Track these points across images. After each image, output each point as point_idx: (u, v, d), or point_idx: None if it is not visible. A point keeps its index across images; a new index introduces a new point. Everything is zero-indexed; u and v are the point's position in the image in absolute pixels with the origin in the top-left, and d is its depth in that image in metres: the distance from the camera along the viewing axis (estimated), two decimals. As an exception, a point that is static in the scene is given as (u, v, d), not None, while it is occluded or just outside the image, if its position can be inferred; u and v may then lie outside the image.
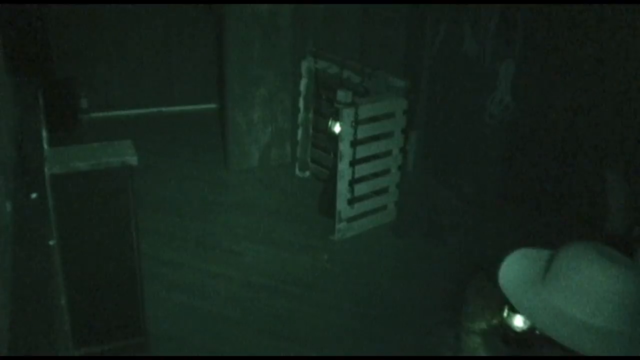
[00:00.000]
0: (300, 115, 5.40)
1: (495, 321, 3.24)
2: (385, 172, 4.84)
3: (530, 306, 1.43)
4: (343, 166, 4.50)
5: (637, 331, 1.34)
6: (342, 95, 4.79)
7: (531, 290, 1.46)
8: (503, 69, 4.61)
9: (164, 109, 6.71)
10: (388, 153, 4.80)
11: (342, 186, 4.54)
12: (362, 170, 4.65)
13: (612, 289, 1.32)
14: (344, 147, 4.46)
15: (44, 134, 3.32)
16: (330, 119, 4.85)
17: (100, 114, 6.39)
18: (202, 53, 6.60)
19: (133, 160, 3.04)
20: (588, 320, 1.35)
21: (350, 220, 4.71)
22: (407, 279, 4.28)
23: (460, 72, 5.07)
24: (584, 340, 1.34)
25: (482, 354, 3.17)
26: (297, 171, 5.56)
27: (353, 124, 4.41)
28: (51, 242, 2.81)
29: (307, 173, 5.53)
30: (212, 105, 6.76)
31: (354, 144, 4.48)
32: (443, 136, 5.41)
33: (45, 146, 3.18)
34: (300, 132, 5.44)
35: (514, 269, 1.56)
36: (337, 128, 4.57)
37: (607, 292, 1.32)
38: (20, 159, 2.95)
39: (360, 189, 4.68)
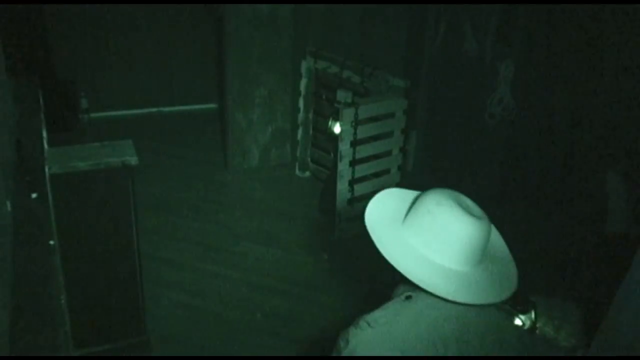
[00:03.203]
0: (300, 115, 5.40)
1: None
2: (385, 172, 4.84)
3: (389, 244, 1.53)
4: (343, 166, 4.50)
5: (480, 272, 1.49)
6: (342, 95, 4.80)
7: (392, 229, 1.55)
8: (503, 69, 4.61)
9: (164, 109, 6.71)
10: (388, 153, 4.80)
11: (342, 186, 4.54)
12: (362, 170, 4.65)
13: (464, 236, 1.45)
14: (344, 147, 4.46)
15: (44, 134, 3.32)
16: (330, 119, 4.85)
17: (100, 114, 6.38)
18: (202, 53, 6.61)
19: (133, 160, 3.04)
20: (442, 262, 1.46)
21: (350, 220, 4.71)
22: (407, 279, 4.28)
23: (460, 72, 5.07)
24: (437, 280, 1.45)
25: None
26: (297, 171, 5.56)
27: (353, 124, 4.41)
28: (51, 242, 2.81)
29: (307, 173, 5.53)
30: (212, 105, 6.76)
31: (354, 144, 4.48)
32: (443, 136, 5.41)
33: (45, 146, 3.18)
34: (300, 132, 5.44)
35: (379, 207, 1.61)
36: (337, 128, 4.57)
37: (458, 238, 1.45)
38: (20, 159, 2.95)
39: (360, 189, 4.68)
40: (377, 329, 1.45)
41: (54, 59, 5.70)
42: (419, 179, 5.54)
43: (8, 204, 2.22)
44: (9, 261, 1.95)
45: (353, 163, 4.54)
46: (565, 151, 4.40)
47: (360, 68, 4.83)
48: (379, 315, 1.49)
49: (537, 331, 3.14)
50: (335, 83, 4.99)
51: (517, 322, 1.60)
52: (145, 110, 6.64)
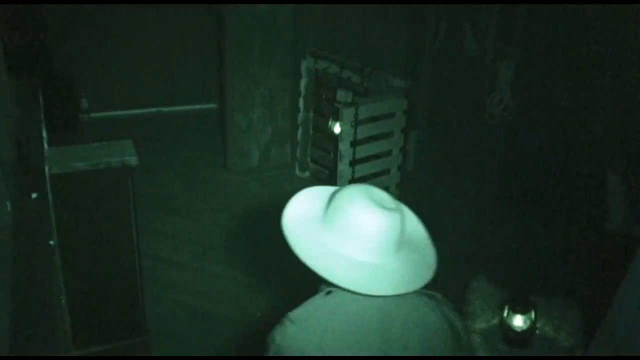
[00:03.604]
0: (300, 115, 5.40)
1: (495, 321, 3.24)
2: (385, 172, 4.84)
3: (305, 244, 1.52)
4: (343, 166, 4.50)
5: (397, 262, 1.52)
6: (342, 95, 4.79)
7: (308, 229, 1.54)
8: (503, 69, 4.61)
9: (164, 109, 6.71)
10: (388, 153, 4.80)
11: (342, 186, 4.54)
12: (362, 170, 4.65)
13: (376, 228, 1.47)
14: (344, 147, 4.46)
15: (44, 134, 3.32)
16: (330, 119, 4.85)
17: (100, 114, 6.39)
18: (202, 53, 6.61)
19: (133, 160, 3.04)
20: (358, 257, 1.48)
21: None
22: (407, 279, 4.28)
23: (460, 72, 5.07)
24: (356, 276, 1.46)
25: (482, 354, 3.17)
26: (297, 171, 5.56)
27: (353, 124, 4.41)
28: (51, 242, 2.81)
29: (307, 173, 5.53)
30: (212, 105, 6.76)
31: (354, 144, 4.48)
32: (443, 136, 5.41)
33: (45, 146, 3.18)
34: (300, 132, 5.44)
35: (297, 207, 1.61)
36: (337, 128, 4.57)
37: (371, 231, 1.47)
38: (20, 159, 2.95)
39: (360, 189, 4.67)
40: (298, 325, 1.49)
41: (54, 59, 5.70)
42: (419, 179, 5.54)
43: (8, 204, 2.22)
44: (9, 261, 1.95)
45: (353, 163, 4.54)
46: (565, 151, 4.40)
47: (360, 68, 4.83)
48: (300, 312, 1.51)
49: (537, 331, 3.15)
50: (335, 83, 4.99)
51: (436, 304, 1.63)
52: (145, 110, 6.64)
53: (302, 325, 1.49)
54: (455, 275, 4.12)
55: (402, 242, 1.55)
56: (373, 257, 1.50)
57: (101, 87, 6.37)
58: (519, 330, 3.09)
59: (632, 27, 3.71)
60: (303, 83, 5.30)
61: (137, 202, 3.13)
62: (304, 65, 5.25)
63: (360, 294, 1.48)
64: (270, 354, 1.52)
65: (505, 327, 3.13)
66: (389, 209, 1.50)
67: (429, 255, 1.67)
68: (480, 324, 3.26)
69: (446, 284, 4.37)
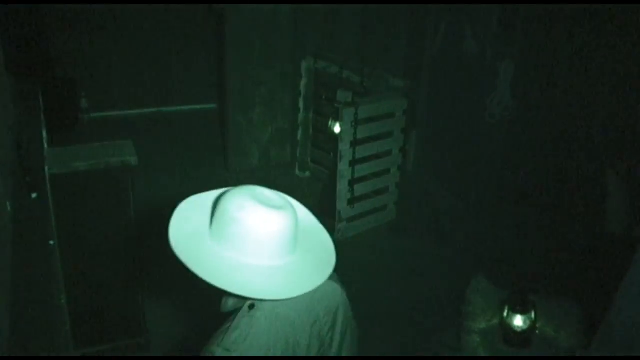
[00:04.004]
0: (300, 115, 5.40)
1: (495, 321, 3.24)
2: (385, 172, 4.84)
3: (202, 261, 1.45)
4: (343, 166, 4.50)
5: (297, 261, 1.51)
6: (342, 95, 4.79)
7: (200, 244, 1.48)
8: (503, 69, 4.61)
9: (163, 109, 6.71)
10: (388, 153, 4.80)
11: (342, 186, 4.54)
12: (362, 170, 4.65)
13: (274, 231, 1.43)
14: (344, 147, 4.46)
15: (44, 134, 3.32)
16: (330, 119, 4.85)
17: (100, 114, 6.38)
18: (202, 53, 6.61)
19: (133, 160, 3.04)
20: (260, 263, 1.44)
21: (350, 220, 4.71)
22: (407, 279, 4.28)
23: (460, 72, 5.07)
24: (262, 284, 1.43)
25: (482, 354, 3.17)
26: (297, 171, 5.56)
27: (353, 123, 4.41)
28: (51, 242, 2.81)
29: (307, 173, 5.53)
30: (212, 105, 6.76)
31: (354, 143, 4.48)
32: (443, 136, 5.41)
33: (45, 146, 3.18)
34: (300, 132, 5.44)
35: (181, 224, 1.54)
36: (337, 128, 4.57)
37: (269, 235, 1.43)
38: (20, 159, 2.95)
39: (360, 188, 4.68)
40: (237, 352, 1.42)
41: (54, 59, 5.70)
42: (419, 179, 5.54)
43: (8, 204, 2.22)
44: (8, 261, 1.95)
45: (353, 163, 4.54)
46: (565, 151, 4.40)
47: (360, 68, 4.83)
48: (236, 336, 1.43)
49: (537, 331, 3.15)
50: (335, 83, 4.99)
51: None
52: (145, 110, 6.64)
53: (240, 352, 1.42)
54: (455, 275, 4.12)
55: (298, 238, 1.53)
56: (274, 260, 1.46)
57: (101, 87, 6.37)
58: (519, 330, 3.09)
59: (632, 27, 3.72)
60: (303, 83, 5.30)
61: (137, 202, 3.13)
62: (304, 65, 5.25)
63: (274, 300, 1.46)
64: None
65: (505, 327, 3.13)
66: (279, 208, 1.46)
67: (326, 243, 1.65)
68: (480, 324, 3.26)
69: (447, 284, 4.40)
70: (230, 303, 1.55)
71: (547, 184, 4.57)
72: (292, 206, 1.51)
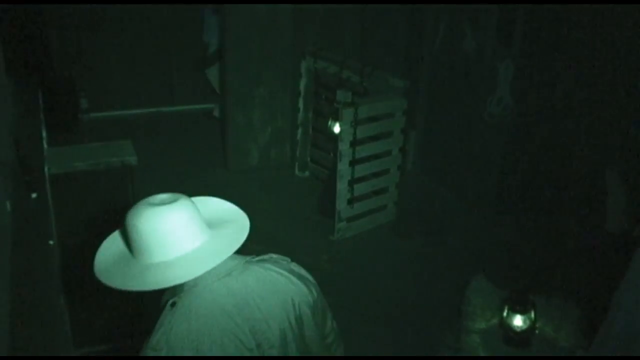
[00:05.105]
0: (300, 115, 5.40)
1: (495, 321, 3.24)
2: (385, 172, 4.84)
3: (134, 280, 1.57)
4: (343, 166, 4.50)
5: (210, 240, 1.59)
6: (341, 95, 4.79)
7: (126, 268, 1.60)
8: (503, 69, 4.61)
9: (163, 109, 6.71)
10: (388, 153, 4.80)
11: (342, 186, 4.54)
12: (362, 170, 4.65)
13: (166, 225, 1.53)
14: (344, 147, 4.46)
15: (44, 134, 3.32)
16: (330, 119, 4.85)
17: (100, 114, 6.38)
18: (202, 53, 6.60)
19: (133, 160, 3.04)
20: (150, 260, 1.55)
21: (350, 220, 4.71)
22: (407, 279, 4.28)
23: (460, 72, 5.07)
24: (153, 276, 1.53)
25: (482, 354, 3.17)
26: (297, 171, 5.56)
27: (353, 123, 4.41)
28: (51, 242, 2.81)
29: (307, 173, 5.53)
30: (212, 106, 6.76)
31: (354, 143, 4.48)
32: (443, 136, 5.41)
33: (45, 146, 3.18)
34: (300, 132, 5.44)
35: (105, 258, 1.67)
36: (336, 128, 4.57)
37: (164, 230, 1.53)
38: (20, 159, 2.95)
39: (360, 188, 4.68)
40: (163, 350, 1.52)
41: (54, 59, 5.70)
42: (419, 179, 5.54)
43: (8, 204, 2.22)
44: (8, 261, 1.95)
45: (353, 163, 4.54)
46: (565, 151, 4.40)
47: (360, 68, 4.83)
48: (158, 338, 1.54)
49: (537, 331, 3.15)
50: (335, 83, 4.99)
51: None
52: (145, 110, 6.64)
53: (166, 349, 1.52)
54: (455, 275, 4.12)
55: (204, 227, 1.60)
56: (177, 250, 1.54)
57: (101, 87, 6.36)
58: (518, 330, 3.09)
59: (632, 27, 3.72)
60: (303, 83, 5.30)
61: (137, 202, 3.13)
62: (303, 65, 5.25)
63: (205, 290, 1.56)
64: None
65: (505, 327, 3.13)
66: (166, 204, 1.56)
67: (240, 220, 1.74)
68: (480, 324, 3.26)
69: (446, 284, 4.40)
70: (163, 301, 1.63)
71: (547, 184, 4.56)
72: (182, 200, 1.59)
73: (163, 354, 1.52)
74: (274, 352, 1.61)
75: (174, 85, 6.68)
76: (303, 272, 1.76)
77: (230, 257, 1.62)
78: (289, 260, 1.78)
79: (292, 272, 1.71)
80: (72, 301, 3.13)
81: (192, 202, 1.63)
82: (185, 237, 1.56)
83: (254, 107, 5.46)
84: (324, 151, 5.33)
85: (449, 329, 3.50)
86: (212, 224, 1.66)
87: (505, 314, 3.11)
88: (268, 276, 1.66)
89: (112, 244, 1.71)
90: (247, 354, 1.57)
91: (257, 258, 1.72)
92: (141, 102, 6.59)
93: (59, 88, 5.72)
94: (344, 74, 4.95)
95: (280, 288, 1.65)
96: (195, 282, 1.57)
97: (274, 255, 1.77)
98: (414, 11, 5.47)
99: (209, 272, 1.57)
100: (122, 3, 6.06)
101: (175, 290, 1.59)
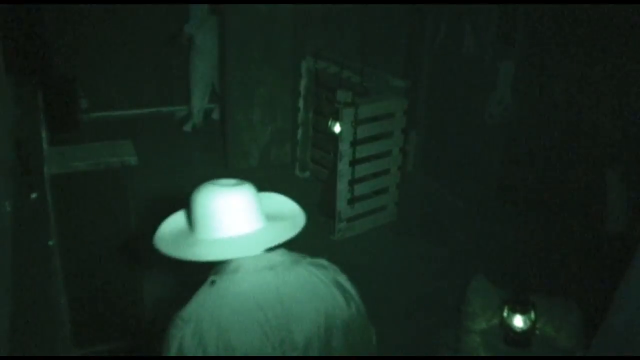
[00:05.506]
0: (300, 115, 5.40)
1: (495, 321, 3.24)
2: (385, 172, 4.84)
3: (184, 250, 1.65)
4: (343, 166, 4.50)
5: (258, 231, 1.65)
6: (342, 95, 4.79)
7: (181, 240, 1.68)
8: (503, 69, 4.61)
9: (164, 109, 6.71)
10: (388, 153, 4.80)
11: (342, 186, 4.54)
12: (362, 170, 4.65)
13: (212, 205, 1.61)
14: (344, 147, 4.46)
15: (44, 134, 3.32)
16: (330, 119, 4.85)
17: (100, 114, 6.39)
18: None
19: (133, 160, 3.04)
20: (203, 236, 1.63)
21: (350, 220, 4.71)
22: (407, 279, 4.28)
23: (460, 72, 5.07)
24: (199, 249, 1.62)
25: (482, 354, 3.17)
26: (297, 171, 5.56)
27: (353, 123, 4.41)
28: (51, 242, 2.81)
29: (307, 173, 5.53)
30: (212, 106, 6.76)
31: (354, 143, 4.48)
32: (443, 136, 5.41)
33: (45, 146, 3.18)
34: (300, 132, 5.44)
35: (165, 230, 1.74)
36: (337, 128, 4.57)
37: (209, 209, 1.61)
38: (20, 159, 2.95)
39: (360, 189, 4.68)
40: (191, 322, 1.56)
41: (54, 59, 5.69)
42: (419, 179, 5.54)
43: (7, 204, 2.22)
44: (8, 261, 1.95)
45: (353, 163, 4.54)
46: (565, 151, 4.40)
47: (360, 68, 4.83)
48: (190, 310, 1.60)
49: (537, 331, 3.15)
50: (335, 83, 4.99)
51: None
52: (145, 110, 6.64)
53: (195, 322, 1.56)
54: (455, 275, 4.12)
55: (263, 213, 1.67)
56: (233, 230, 1.61)
57: (101, 87, 6.37)
58: (519, 330, 3.09)
59: (633, 26, 3.72)
60: (303, 83, 5.30)
61: (137, 202, 3.13)
62: (304, 65, 5.25)
63: (247, 276, 1.59)
64: (172, 355, 1.56)
65: (505, 327, 3.13)
66: (231, 186, 1.63)
67: (297, 218, 1.78)
68: (480, 324, 3.26)
69: (446, 284, 4.39)
70: (211, 278, 1.67)
71: (547, 184, 4.56)
72: (247, 186, 1.66)
73: (190, 326, 1.56)
74: (296, 355, 1.61)
75: (174, 85, 6.68)
76: (348, 286, 1.74)
77: (280, 253, 1.66)
78: (339, 270, 1.76)
79: (335, 283, 1.70)
80: (72, 301, 3.13)
81: (255, 190, 1.68)
82: (239, 219, 1.62)
83: (254, 107, 5.47)
84: (324, 151, 5.33)
85: (449, 329, 3.50)
86: (269, 217, 1.70)
87: (505, 314, 3.11)
88: (310, 280, 1.66)
89: (177, 218, 1.77)
90: (269, 348, 1.57)
91: (307, 260, 1.72)
92: (141, 102, 6.59)
93: (59, 88, 5.72)
94: (344, 74, 4.95)
95: (318, 295, 1.65)
96: (238, 267, 1.61)
97: (325, 263, 1.76)
98: (414, 11, 5.47)
99: (253, 261, 1.61)
100: (122, 3, 6.06)
101: (218, 271, 1.63)
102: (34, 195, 2.58)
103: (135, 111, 6.58)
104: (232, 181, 1.67)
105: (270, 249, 1.65)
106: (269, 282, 1.61)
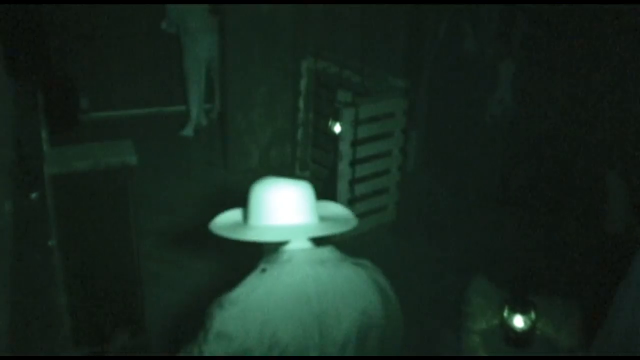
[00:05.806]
0: (300, 115, 5.39)
1: (495, 321, 3.24)
2: (385, 172, 4.84)
3: (238, 233, 1.76)
4: (343, 166, 4.50)
5: (315, 222, 1.74)
6: (342, 95, 4.79)
7: (238, 227, 1.79)
8: (503, 69, 4.61)
9: (164, 109, 6.71)
10: (388, 153, 4.79)
11: (342, 186, 4.54)
12: (362, 170, 4.64)
13: (267, 197, 1.70)
14: (344, 147, 4.45)
15: (44, 134, 3.32)
16: (330, 119, 4.85)
17: (100, 114, 6.38)
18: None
19: (133, 160, 3.04)
20: (256, 223, 1.73)
21: (350, 220, 4.70)
22: (407, 279, 4.28)
23: (460, 72, 5.07)
24: (250, 231, 1.73)
25: (482, 354, 3.17)
26: (297, 171, 5.56)
27: (353, 123, 4.40)
28: (51, 242, 2.81)
29: (307, 173, 5.53)
30: (212, 105, 6.76)
31: (354, 144, 4.48)
32: (443, 136, 5.41)
33: (45, 146, 3.18)
34: (300, 132, 5.44)
35: (222, 218, 1.87)
36: (337, 128, 4.56)
37: (265, 198, 1.70)
38: (20, 159, 2.95)
39: (360, 189, 4.67)
40: (238, 305, 1.60)
41: (54, 59, 5.70)
42: (419, 179, 5.54)
43: (6, 204, 2.22)
44: (8, 261, 1.95)
45: (353, 163, 4.53)
46: (565, 151, 4.40)
47: (360, 68, 4.83)
48: (238, 293, 1.63)
49: (537, 331, 3.15)
50: (335, 83, 4.99)
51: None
52: (145, 110, 6.63)
53: (241, 306, 1.59)
54: (455, 275, 4.12)
55: (313, 212, 1.75)
56: (287, 220, 1.69)
57: (101, 87, 6.36)
58: (519, 330, 3.09)
59: (633, 26, 3.71)
60: (303, 83, 5.29)
61: (137, 202, 3.13)
62: (304, 65, 5.25)
63: (296, 269, 1.64)
64: (210, 336, 1.60)
65: (505, 327, 3.13)
66: (288, 183, 1.72)
67: (349, 220, 1.87)
68: (480, 324, 3.26)
69: (446, 284, 4.39)
70: (261, 266, 1.72)
71: (547, 184, 4.57)
72: (304, 184, 1.75)
73: (237, 309, 1.59)
74: (333, 352, 1.63)
75: (174, 85, 6.68)
76: (388, 289, 1.79)
77: (330, 250, 1.74)
78: (380, 272, 1.81)
79: (377, 284, 1.75)
80: (72, 301, 3.13)
81: (311, 190, 1.77)
82: (292, 210, 1.69)
83: (254, 107, 5.46)
84: (324, 151, 5.32)
85: (449, 329, 3.50)
86: (323, 218, 1.79)
87: (505, 314, 3.11)
88: (356, 279, 1.71)
89: (231, 213, 1.87)
90: (310, 341, 1.60)
91: (354, 260, 1.78)
92: (141, 102, 6.59)
93: (59, 88, 5.72)
94: (344, 74, 4.95)
95: (360, 295, 1.69)
96: (290, 258, 1.66)
97: (368, 263, 1.81)
98: (415, 11, 5.47)
99: (305, 254, 1.68)
100: (122, 3, 6.06)
101: (270, 260, 1.69)
102: (34, 195, 2.58)
103: (135, 111, 6.58)
104: (292, 180, 1.76)
105: (321, 245, 1.72)
106: (319, 276, 1.65)
